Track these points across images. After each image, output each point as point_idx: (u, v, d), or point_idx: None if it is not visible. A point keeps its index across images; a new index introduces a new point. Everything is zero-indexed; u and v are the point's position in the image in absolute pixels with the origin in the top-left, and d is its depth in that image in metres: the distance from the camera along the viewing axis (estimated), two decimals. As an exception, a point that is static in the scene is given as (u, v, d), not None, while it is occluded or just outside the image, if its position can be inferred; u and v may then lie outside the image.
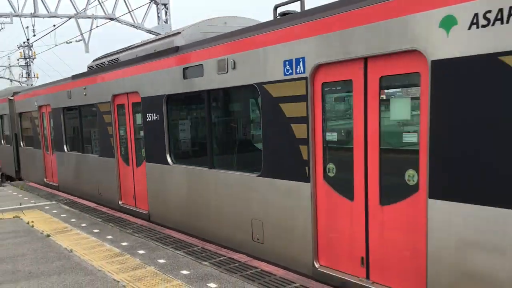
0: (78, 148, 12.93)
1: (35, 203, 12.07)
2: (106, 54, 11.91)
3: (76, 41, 24.56)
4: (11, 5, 22.53)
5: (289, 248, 6.16)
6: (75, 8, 23.44)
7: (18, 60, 48.36)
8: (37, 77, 49.98)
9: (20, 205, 11.81)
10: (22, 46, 45.77)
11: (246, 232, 6.95)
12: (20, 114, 18.05)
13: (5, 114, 19.38)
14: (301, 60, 5.80)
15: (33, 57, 46.33)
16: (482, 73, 4.03)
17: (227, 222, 7.37)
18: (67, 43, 25.26)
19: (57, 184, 14.49)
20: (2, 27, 23.22)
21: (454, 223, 4.33)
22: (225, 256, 6.81)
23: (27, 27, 27.33)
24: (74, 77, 12.85)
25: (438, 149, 4.39)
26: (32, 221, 9.65)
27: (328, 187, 5.66)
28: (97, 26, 22.69)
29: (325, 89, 5.64)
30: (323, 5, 5.69)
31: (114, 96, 10.61)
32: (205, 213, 7.91)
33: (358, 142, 5.24)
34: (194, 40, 8.51)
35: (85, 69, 12.00)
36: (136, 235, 8.29)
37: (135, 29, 24.52)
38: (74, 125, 13.27)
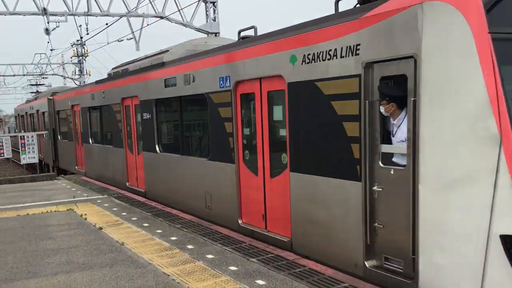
0: (99, 141, 15.77)
1: (87, 196, 12.44)
2: (121, 64, 14.57)
3: (127, 39, 25.14)
4: (65, 4, 23.28)
5: (226, 212, 8.66)
6: (126, 7, 23.99)
7: (71, 58, 50.01)
8: (89, 74, 51.48)
9: (74, 198, 12.21)
10: (75, 44, 47.30)
11: (202, 201, 9.45)
12: (58, 111, 21.36)
13: (45, 111, 22.67)
14: (228, 77, 8.39)
15: (86, 55, 47.80)
16: (308, 91, 6.46)
17: (192, 195, 9.87)
18: (118, 41, 25.86)
19: (84, 171, 17.29)
20: (57, 25, 23.89)
21: (299, 186, 6.74)
22: (272, 253, 6.81)
23: (80, 25, 28.17)
24: (97, 82, 15.82)
25: (291, 140, 6.87)
26: (85, 214, 9.95)
27: (245, 167, 8.17)
28: (148, 25, 23.13)
29: (242, 98, 8.18)
30: (237, 41, 8.71)
31: (123, 99, 13.27)
32: (179, 189, 10.50)
33: (259, 136, 7.73)
34: (179, 56, 10.78)
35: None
36: (185, 230, 8.40)
37: (184, 27, 24.87)
38: (96, 122, 16.04)
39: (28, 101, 33.86)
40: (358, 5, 6.26)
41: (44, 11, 21.75)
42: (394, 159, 5.42)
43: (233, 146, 8.26)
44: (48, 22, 22.62)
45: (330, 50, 6.08)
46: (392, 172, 5.38)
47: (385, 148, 5.52)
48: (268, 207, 7.65)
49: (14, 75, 53.27)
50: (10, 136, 18.54)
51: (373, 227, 5.60)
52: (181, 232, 8.28)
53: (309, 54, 6.43)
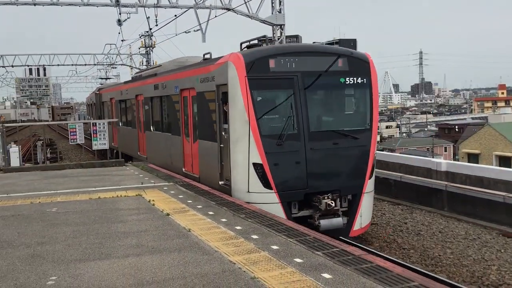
0: (125, 124, 22.56)
1: (154, 183, 12.81)
2: (141, 70, 23.95)
3: (194, 30, 25.58)
4: (137, -4, 23.99)
5: (179, 165, 14.57)
6: (194, -1, 24.40)
7: (139, 48, 51.54)
8: (156, 63, 52.86)
9: (141, 184, 12.61)
10: (143, 35, 48.65)
11: (168, 160, 15.77)
12: (102, 103, 28.42)
13: (94, 103, 30.87)
14: (177, 87, 14.45)
15: (153, 46, 49.07)
16: (201, 97, 12.57)
17: (174, 161, 15.21)
18: (186, 32, 26.39)
19: (117, 145, 21.86)
20: (128, 16, 24.71)
21: (200, 146, 12.76)
22: (338, 247, 6.75)
23: (149, 17, 28.90)
24: (125, 82, 23.70)
25: (198, 122, 12.92)
26: (153, 200, 10.26)
27: (185, 138, 14.21)
28: (215, 16, 23.42)
29: (183, 99, 14.18)
30: (182, 66, 15.43)
31: (136, 95, 19.83)
32: (164, 157, 16.22)
33: (190, 120, 13.68)
34: (167, 69, 16.91)
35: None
36: (249, 220, 8.48)
37: (250, 19, 24.99)
38: (125, 111, 22.76)
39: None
40: (244, 48, 12.45)
41: (117, 3, 22.49)
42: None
43: (180, 126, 14.54)
44: (120, 14, 23.39)
45: (207, 77, 12.10)
46: (225, 137, 11.28)
47: (224, 126, 11.33)
48: (193, 159, 13.59)
49: (85, 65, 55.53)
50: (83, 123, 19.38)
51: (221, 165, 11.63)
52: (246, 222, 8.36)
53: (201, 78, 12.47)
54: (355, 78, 11.27)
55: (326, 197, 10.50)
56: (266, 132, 10.48)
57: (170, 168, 15.27)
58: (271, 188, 10.38)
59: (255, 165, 10.38)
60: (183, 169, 14.21)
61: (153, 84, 17.23)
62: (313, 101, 11.06)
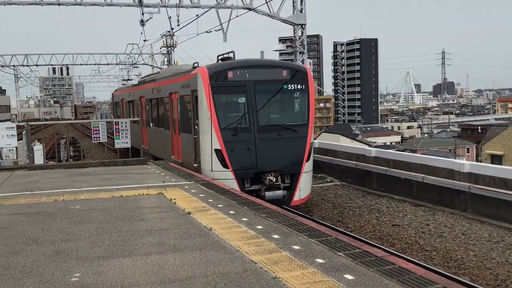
0: (131, 122, 24.35)
1: (175, 182, 12.90)
2: (145, 75, 27.36)
3: (215, 30, 25.69)
4: (159, -3, 24.18)
5: (169, 153, 17.77)
6: (216, -1, 24.50)
7: (160, 48, 51.94)
8: (177, 64, 53.22)
9: (163, 183, 12.70)
10: (165, 35, 49.01)
11: (162, 151, 19.21)
12: (116, 103, 32.41)
13: (111, 103, 37.31)
14: (167, 90, 17.87)
15: (174, 46, 49.40)
16: (183, 99, 16.22)
17: (166, 150, 18.24)
18: (207, 32, 26.50)
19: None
20: (151, 16, 24.92)
21: (182, 137, 16.41)
22: (360, 248, 6.71)
23: (170, 17, 29.08)
24: (133, 85, 27.68)
25: (180, 118, 16.67)
26: (174, 198, 10.33)
27: (173, 131, 17.44)
28: (237, 16, 23.48)
29: (171, 100, 17.55)
30: (173, 74, 18.67)
31: (140, 97, 23.42)
32: (160, 147, 19.63)
33: (176, 117, 17.01)
34: (164, 75, 20.07)
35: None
36: (270, 219, 8.48)
37: (271, 18, 24.99)
38: (132, 110, 26.39)
39: None
40: (219, 60, 15.87)
41: (140, 3, 22.69)
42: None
43: (169, 122, 17.80)
44: (142, 14, 23.59)
45: (185, 84, 15.35)
46: (197, 130, 14.48)
47: (197, 121, 14.52)
48: (178, 148, 16.85)
49: (107, 64, 56.21)
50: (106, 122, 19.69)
51: (195, 151, 14.81)
52: (266, 221, 8.36)
53: (182, 85, 15.78)
54: (295, 85, 14.50)
55: (270, 175, 13.72)
56: (224, 126, 13.84)
57: (164, 156, 18.89)
58: (228, 168, 13.71)
59: (216, 150, 13.74)
60: (172, 156, 17.76)
61: (151, 88, 21.02)
62: (262, 102, 14.22)
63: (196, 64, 16.51)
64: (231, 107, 14.70)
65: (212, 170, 13.85)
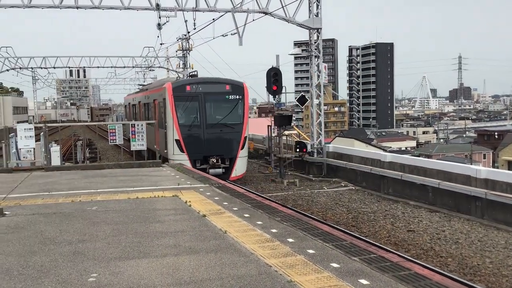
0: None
1: (190, 184, 12.97)
2: (144, 84, 40.20)
3: (231, 34, 25.77)
4: (175, 0, 24.36)
5: (154, 144, 23.58)
6: (232, 3, 24.60)
7: (176, 51, 52.23)
8: (192, 68, 53.44)
9: (178, 185, 12.78)
10: (181, 38, 49.29)
11: (153, 144, 23.44)
12: (125, 106, 39.71)
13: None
14: (153, 97, 24.29)
15: (190, 49, 49.65)
16: (162, 103, 23.16)
17: (153, 142, 23.11)
18: (223, 36, 26.59)
19: None
20: (168, 20, 25.10)
21: (159, 134, 22.24)
22: (375, 254, 6.68)
23: (186, 20, 29.23)
24: (135, 92, 34.47)
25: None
26: (189, 201, 10.38)
27: (156, 128, 23.33)
28: (253, 20, 23.55)
29: (154, 105, 23.89)
30: (154, 86, 28.24)
31: (138, 102, 29.41)
32: (149, 141, 21.14)
33: (156, 118, 23.35)
34: (156, 86, 25.73)
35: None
36: (285, 223, 8.49)
37: (287, 22, 25.02)
38: (134, 112, 32.09)
39: None
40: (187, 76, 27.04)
41: (157, 6, 22.87)
42: None
43: (164, 120, 21.46)
44: (159, 17, 23.76)
45: (160, 93, 21.74)
46: (166, 126, 20.99)
47: (166, 120, 21.36)
48: (157, 140, 21.85)
49: (124, 67, 56.62)
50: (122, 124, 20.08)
51: (165, 141, 20.84)
52: (281, 225, 8.37)
53: (159, 94, 21.83)
54: (234, 96, 20.79)
55: (213, 158, 19.94)
56: (182, 123, 20.07)
57: (152, 147, 23.41)
58: (184, 153, 19.16)
59: (176, 141, 19.16)
60: (154, 146, 23.36)
61: (144, 95, 27.98)
62: (209, 107, 20.54)
63: (177, 77, 26.25)
64: (187, 111, 20.54)
65: (174, 154, 19.88)
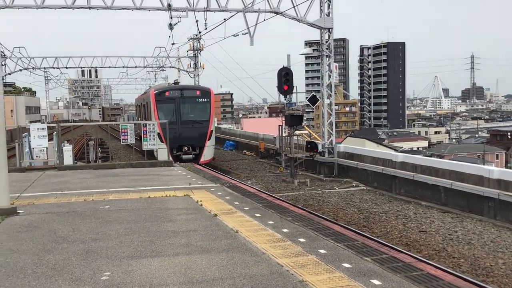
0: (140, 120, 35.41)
1: (201, 184, 13.01)
2: (150, 86, 56.22)
3: (242, 34, 25.82)
4: (187, 0, 24.44)
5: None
6: (243, 3, 24.63)
7: (187, 51, 52.38)
8: (203, 68, 53.58)
9: (189, 185, 12.83)
10: (192, 38, 49.42)
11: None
12: (136, 106, 43.18)
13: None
14: (146, 99, 29.87)
15: (201, 49, 49.75)
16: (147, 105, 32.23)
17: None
18: (234, 36, 26.65)
19: None
20: (179, 20, 25.19)
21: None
22: (387, 254, 6.67)
23: (197, 20, 29.33)
24: (141, 94, 41.79)
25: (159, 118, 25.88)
26: (201, 200, 10.42)
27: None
28: (264, 20, 23.55)
29: (149, 105, 28.11)
30: (149, 90, 33.51)
31: (141, 103, 34.28)
32: None
33: (149, 114, 27.87)
34: (155, 90, 27.68)
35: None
36: (296, 223, 8.49)
37: (298, 22, 24.99)
38: (140, 112, 35.84)
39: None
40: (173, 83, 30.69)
41: (169, 7, 22.96)
42: None
43: (147, 117, 27.56)
44: (171, 17, 23.85)
45: (148, 97, 28.31)
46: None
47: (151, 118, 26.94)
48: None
49: (135, 67, 56.86)
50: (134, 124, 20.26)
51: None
52: (292, 225, 8.37)
53: (148, 97, 28.15)
54: (202, 99, 25.95)
55: (186, 146, 24.95)
56: (162, 120, 22.57)
57: None
58: (164, 143, 19.75)
59: (158, 134, 19.40)
60: None
61: (142, 98, 34.36)
62: (183, 108, 25.58)
63: (176, 81, 32.62)
64: (166, 111, 25.42)
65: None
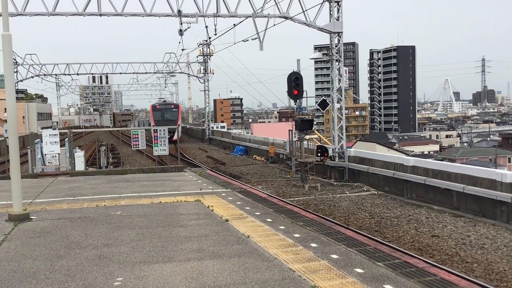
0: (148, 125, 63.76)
1: (212, 189, 13.02)
2: (161, 97, 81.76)
3: (252, 39, 25.86)
4: (197, 6, 24.57)
5: None
6: (252, 8, 24.69)
7: (197, 57, 52.63)
8: (213, 73, 53.79)
9: (200, 190, 12.85)
10: (202, 44, 49.64)
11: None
12: (147, 113, 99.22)
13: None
14: (152, 109, 54.78)
15: (211, 54, 49.96)
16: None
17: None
18: (244, 41, 26.70)
19: None
20: (189, 26, 25.28)
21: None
22: (400, 259, 6.63)
23: (207, 26, 29.43)
24: (152, 105, 56.94)
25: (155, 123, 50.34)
26: (212, 206, 10.43)
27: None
28: (274, 25, 23.58)
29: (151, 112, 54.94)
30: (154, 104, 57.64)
31: (150, 111, 57.10)
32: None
33: (153, 120, 53.14)
34: (155, 104, 54.88)
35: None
36: (307, 228, 8.47)
37: (307, 27, 25.00)
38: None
39: None
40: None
41: (179, 13, 23.07)
42: None
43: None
44: (181, 23, 23.96)
45: (150, 108, 55.77)
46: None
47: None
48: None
49: (145, 73, 57.25)
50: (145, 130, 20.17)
51: None
52: (304, 230, 8.36)
53: (150, 108, 56.19)
54: (174, 109, 50.69)
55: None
56: (156, 120, 48.30)
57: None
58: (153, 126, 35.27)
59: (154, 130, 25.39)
60: None
61: (151, 107, 52.49)
62: (165, 114, 49.69)
63: (163, 100, 63.32)
64: (157, 116, 48.53)
65: None
